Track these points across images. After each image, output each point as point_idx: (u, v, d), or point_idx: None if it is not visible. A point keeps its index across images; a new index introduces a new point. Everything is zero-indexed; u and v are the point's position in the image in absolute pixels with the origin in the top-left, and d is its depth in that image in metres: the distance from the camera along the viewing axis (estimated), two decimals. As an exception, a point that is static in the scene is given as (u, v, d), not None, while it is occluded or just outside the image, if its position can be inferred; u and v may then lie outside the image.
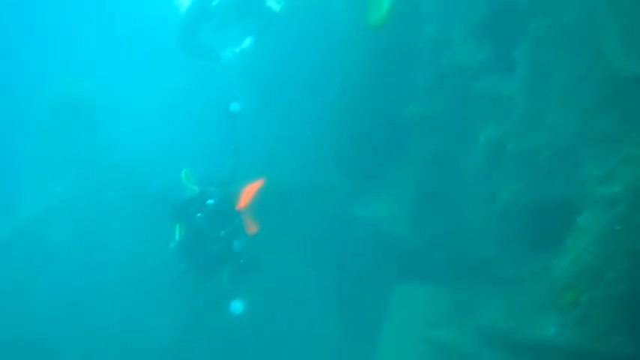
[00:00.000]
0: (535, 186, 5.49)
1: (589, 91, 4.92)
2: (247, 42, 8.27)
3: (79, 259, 10.45)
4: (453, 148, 6.64)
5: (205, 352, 9.49)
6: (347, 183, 8.85)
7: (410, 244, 7.43)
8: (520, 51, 5.34)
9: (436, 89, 6.47)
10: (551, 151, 5.22)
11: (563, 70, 5.08)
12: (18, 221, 10.68)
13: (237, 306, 6.54)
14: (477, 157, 6.30)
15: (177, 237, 6.90)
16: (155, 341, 9.70)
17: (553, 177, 5.32)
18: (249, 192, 7.16)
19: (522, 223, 5.65)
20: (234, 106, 7.66)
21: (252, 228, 7.08)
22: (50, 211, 10.71)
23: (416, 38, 6.52)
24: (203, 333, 9.44)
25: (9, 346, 9.61)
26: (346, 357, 8.05)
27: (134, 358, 9.65)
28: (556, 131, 5.12)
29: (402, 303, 7.09)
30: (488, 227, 6.06)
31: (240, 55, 8.35)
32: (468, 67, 5.96)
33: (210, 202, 6.60)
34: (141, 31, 12.95)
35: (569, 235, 4.34)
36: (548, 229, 5.33)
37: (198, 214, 6.64)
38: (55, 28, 13.65)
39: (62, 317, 10.15)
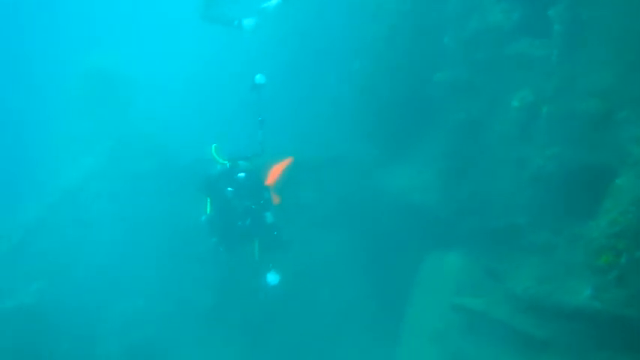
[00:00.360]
0: (570, 149, 5.34)
1: (628, 50, 4.70)
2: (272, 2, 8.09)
3: (115, 230, 10.69)
4: (483, 115, 6.48)
5: (238, 320, 9.65)
6: (374, 154, 8.76)
7: (439, 213, 7.35)
8: (556, 10, 5.11)
9: (466, 53, 6.29)
10: (588, 113, 5.03)
11: (600, 29, 4.86)
12: (54, 195, 10.96)
13: (273, 277, 6.35)
14: (509, 123, 6.14)
15: (207, 210, 6.88)
16: (190, 309, 9.91)
17: (589, 140, 5.16)
18: (277, 169, 7.15)
19: (556, 188, 5.52)
20: (260, 78, 7.58)
21: (278, 200, 7.08)
22: (85, 184, 10.94)
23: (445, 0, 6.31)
24: (236, 301, 9.58)
25: (52, 316, 9.95)
26: (376, 324, 8.08)
27: (171, 325, 9.86)
28: (593, 92, 4.93)
29: (431, 271, 7.08)
30: (520, 194, 5.92)
31: (261, 15, 8.19)
32: (501, 28, 5.75)
33: (241, 175, 6.53)
34: (169, 4, 12.92)
35: (607, 197, 4.20)
36: (584, 194, 5.19)
37: (229, 188, 6.51)
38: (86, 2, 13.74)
39: (101, 285, 10.44)
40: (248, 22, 8.22)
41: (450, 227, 7.15)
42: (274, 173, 7.07)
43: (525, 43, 5.64)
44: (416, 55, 7.22)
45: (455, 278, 6.52)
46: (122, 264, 10.44)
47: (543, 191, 5.63)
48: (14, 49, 13.59)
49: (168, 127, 11.28)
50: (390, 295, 7.86)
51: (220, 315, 9.68)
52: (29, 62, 13.34)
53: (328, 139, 9.57)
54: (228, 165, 6.65)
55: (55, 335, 9.54)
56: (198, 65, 11.65)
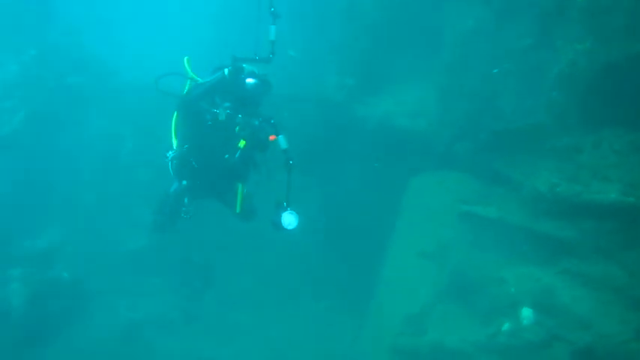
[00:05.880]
0: (607, 42, 5.00)
1: None
2: None
3: (31, 154, 9.02)
4: (498, 19, 6.04)
5: (178, 266, 8.55)
6: (353, 85, 8.08)
7: (431, 136, 6.86)
8: None
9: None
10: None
11: None
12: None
13: (290, 219, 4.53)
14: (530, 21, 5.74)
15: (174, 143, 5.10)
16: (120, 250, 8.56)
17: (630, 30, 4.84)
18: None
19: (587, 86, 5.17)
20: None
21: None
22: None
23: None
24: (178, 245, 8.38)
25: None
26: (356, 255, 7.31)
27: (92, 268, 8.42)
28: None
29: (423, 190, 6.55)
30: (541, 96, 5.54)
31: None
32: None
33: (250, 82, 4.73)
34: None
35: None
36: (622, 93, 4.88)
37: (226, 104, 4.74)
38: None
39: (6, 217, 8.75)
40: None
41: (444, 148, 6.68)
42: None
43: None
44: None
45: (456, 191, 5.99)
46: (36, 194, 8.81)
47: (572, 91, 5.26)
48: None
49: (108, 36, 9.74)
50: (374, 223, 7.19)
51: (157, 259, 8.40)
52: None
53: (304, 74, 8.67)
54: (225, 72, 4.79)
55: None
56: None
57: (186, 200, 5.07)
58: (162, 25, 9.29)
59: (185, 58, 5.30)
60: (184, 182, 5.04)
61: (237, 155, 4.78)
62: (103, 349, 7.63)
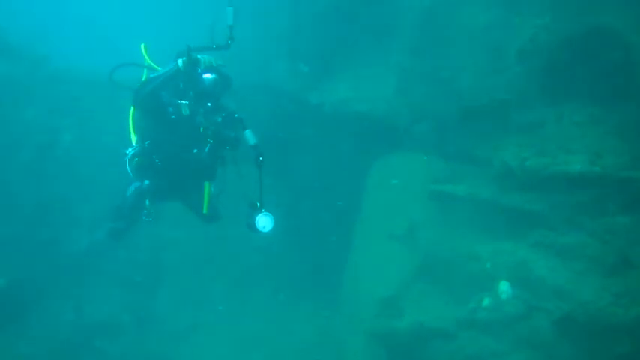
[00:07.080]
0: (566, 17, 5.09)
1: None
2: None
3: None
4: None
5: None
6: (305, 72, 7.85)
7: (394, 118, 6.77)
8: None
9: None
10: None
11: None
12: None
13: (266, 221, 4.14)
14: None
15: (134, 139, 4.68)
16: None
17: (587, 4, 4.95)
18: None
19: (547, 61, 5.25)
20: None
21: None
22: None
23: None
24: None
25: None
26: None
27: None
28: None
29: (388, 172, 6.45)
30: (503, 73, 5.57)
31: None
32: None
33: (208, 77, 4.27)
34: None
35: None
36: (581, 67, 4.99)
37: (184, 101, 4.31)
38: None
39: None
40: None
41: (406, 130, 6.63)
42: None
43: None
44: None
45: (423, 172, 5.97)
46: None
47: (530, 67, 5.34)
48: None
49: (34, 19, 8.94)
50: (338, 210, 7.03)
51: (101, 260, 7.82)
52: None
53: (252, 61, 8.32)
54: (180, 63, 4.26)
55: None
56: None
57: (147, 202, 4.66)
58: (103, 6, 8.64)
59: (142, 45, 4.86)
60: (146, 182, 4.62)
61: (206, 149, 4.41)
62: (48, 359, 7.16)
